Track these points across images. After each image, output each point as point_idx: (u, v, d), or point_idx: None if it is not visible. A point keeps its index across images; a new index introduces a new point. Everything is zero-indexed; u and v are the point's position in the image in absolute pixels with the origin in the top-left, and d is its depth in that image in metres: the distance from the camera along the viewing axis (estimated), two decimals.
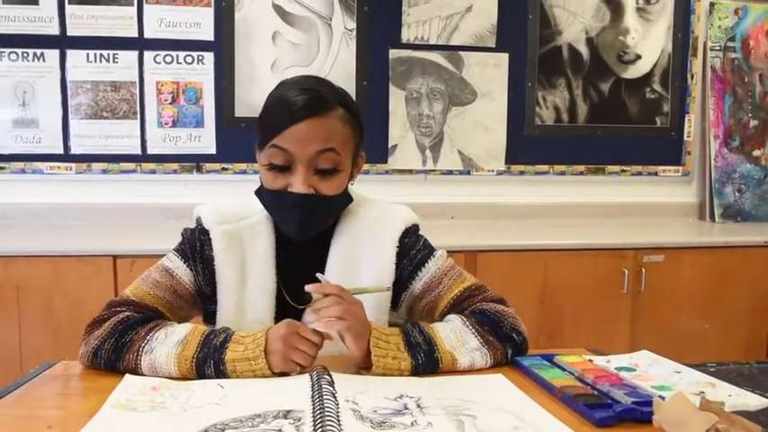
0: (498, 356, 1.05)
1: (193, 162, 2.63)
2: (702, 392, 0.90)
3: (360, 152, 1.17)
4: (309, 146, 1.05)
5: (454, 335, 1.05)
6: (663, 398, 0.83)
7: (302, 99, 1.05)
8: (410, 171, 2.77)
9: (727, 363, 1.09)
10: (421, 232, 1.23)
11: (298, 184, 1.06)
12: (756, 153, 2.96)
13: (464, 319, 1.08)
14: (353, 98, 1.16)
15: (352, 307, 0.99)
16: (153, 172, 2.62)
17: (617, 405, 0.85)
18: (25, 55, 2.51)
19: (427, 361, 1.00)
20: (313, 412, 0.81)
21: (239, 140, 2.60)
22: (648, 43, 2.88)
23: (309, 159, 1.06)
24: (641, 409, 0.83)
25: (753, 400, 0.88)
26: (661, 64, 2.90)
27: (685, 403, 0.75)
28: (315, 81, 1.13)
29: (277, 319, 1.11)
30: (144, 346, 0.99)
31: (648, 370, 1.01)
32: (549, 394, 0.93)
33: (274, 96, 1.10)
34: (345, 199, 1.16)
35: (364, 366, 1.00)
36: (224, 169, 2.65)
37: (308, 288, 1.00)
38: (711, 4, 2.92)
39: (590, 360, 1.05)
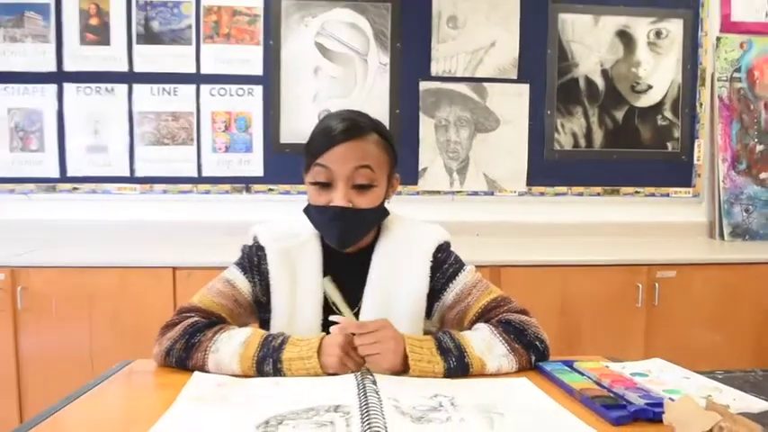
0: (523, 362, 1.07)
1: (243, 183, 2.71)
2: (709, 396, 0.91)
3: (394, 174, 1.22)
4: (347, 163, 1.12)
5: (483, 342, 1.07)
6: (672, 399, 0.85)
7: (341, 125, 1.12)
8: (439, 192, 2.81)
9: (734, 370, 1.09)
10: (451, 249, 1.27)
11: (338, 198, 1.12)
12: (763, 176, 2.94)
13: (492, 328, 1.10)
14: (387, 126, 1.23)
15: (380, 335, 1.02)
16: (207, 192, 2.70)
17: (631, 406, 0.86)
18: (98, 89, 2.63)
19: (458, 365, 1.03)
20: (360, 407, 0.85)
21: (285, 164, 2.67)
22: (659, 74, 2.89)
23: (347, 176, 1.12)
24: (653, 410, 0.84)
25: (755, 404, 0.89)
26: (671, 93, 2.90)
27: (692, 404, 0.76)
28: (354, 113, 1.19)
29: (323, 325, 1.15)
30: (211, 347, 1.04)
31: (660, 375, 1.02)
32: (569, 396, 0.95)
33: (318, 126, 1.17)
34: (381, 213, 1.21)
35: (402, 370, 1.03)
36: (270, 190, 2.72)
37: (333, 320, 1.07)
38: (718, 39, 2.91)
39: (607, 366, 1.06)
